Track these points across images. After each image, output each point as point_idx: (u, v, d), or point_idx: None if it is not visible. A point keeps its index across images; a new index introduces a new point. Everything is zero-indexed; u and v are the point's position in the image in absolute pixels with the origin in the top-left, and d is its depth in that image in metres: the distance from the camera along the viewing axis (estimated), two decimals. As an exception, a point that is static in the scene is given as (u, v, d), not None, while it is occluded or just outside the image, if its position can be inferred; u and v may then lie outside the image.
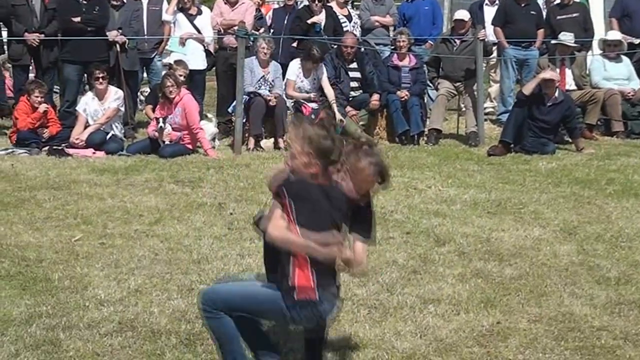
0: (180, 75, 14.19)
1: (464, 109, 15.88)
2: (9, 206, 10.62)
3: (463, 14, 16.48)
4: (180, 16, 15.32)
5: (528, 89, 14.30)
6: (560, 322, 7.16)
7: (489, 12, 17.55)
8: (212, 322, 5.71)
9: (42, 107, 14.25)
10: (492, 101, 17.96)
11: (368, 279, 8.08)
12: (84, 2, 14.57)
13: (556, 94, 14.20)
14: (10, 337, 6.72)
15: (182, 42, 15.29)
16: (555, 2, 17.62)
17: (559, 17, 16.94)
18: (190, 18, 15.36)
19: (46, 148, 13.93)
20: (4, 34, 15.97)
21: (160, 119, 13.79)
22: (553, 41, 16.35)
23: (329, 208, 5.48)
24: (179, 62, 14.67)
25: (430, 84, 16.07)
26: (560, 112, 14.17)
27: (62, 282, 7.98)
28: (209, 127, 14.61)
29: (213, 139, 14.61)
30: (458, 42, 15.86)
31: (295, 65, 15.01)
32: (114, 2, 15.30)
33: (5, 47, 15.75)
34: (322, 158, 5.42)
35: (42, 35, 14.85)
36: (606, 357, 6.51)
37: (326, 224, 5.44)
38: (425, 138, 15.15)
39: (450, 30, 16.79)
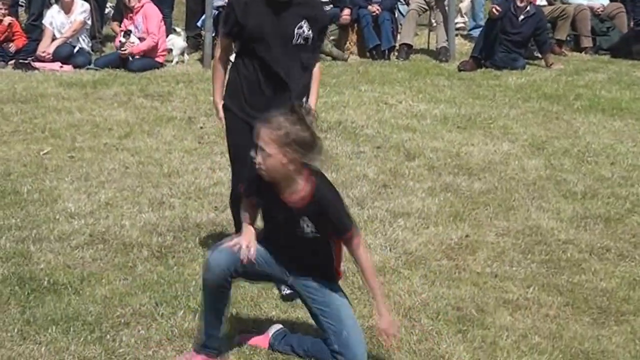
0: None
1: (434, 24, 15.82)
2: (-24, 120, 10.60)
3: None
4: None
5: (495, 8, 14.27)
6: (527, 235, 7.27)
7: None
8: None
9: (7, 20, 14.12)
10: (462, 16, 17.90)
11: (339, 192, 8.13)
12: None
13: (528, 7, 14.20)
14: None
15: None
16: None
17: None
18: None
19: (12, 62, 13.83)
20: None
21: (123, 34, 13.73)
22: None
23: None
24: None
25: (402, -1, 16.04)
26: (532, 25, 14.19)
27: (31, 195, 7.99)
28: (178, 41, 14.54)
29: (182, 53, 14.54)
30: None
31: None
32: None
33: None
34: (303, 153, 5.02)
35: None
36: (572, 270, 6.61)
37: None
38: (396, 53, 15.15)
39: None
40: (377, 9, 14.94)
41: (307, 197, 4.99)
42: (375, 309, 5.18)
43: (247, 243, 5.16)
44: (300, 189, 4.99)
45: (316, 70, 6.25)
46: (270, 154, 4.87)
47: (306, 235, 5.08)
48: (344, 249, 5.21)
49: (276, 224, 5.21)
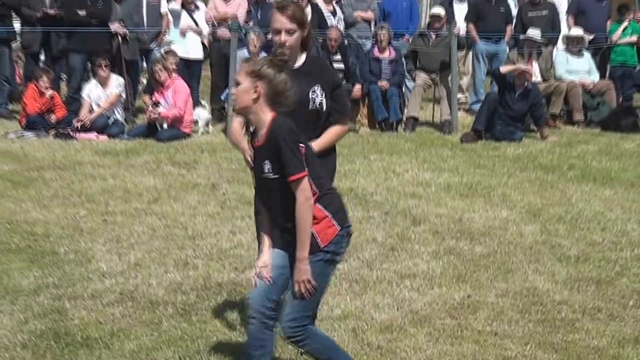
0: (171, 64, 14.18)
1: (439, 99, 15.87)
2: (18, 185, 10.61)
3: (439, 10, 16.57)
4: (181, 10, 15.31)
5: (505, 69, 14.46)
6: (524, 296, 7.21)
7: (458, 9, 17.58)
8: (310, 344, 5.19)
9: (49, 93, 14.24)
10: (464, 92, 17.94)
11: (349, 255, 8.12)
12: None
13: (525, 84, 14.28)
14: (20, 306, 6.74)
15: (182, 34, 15.27)
16: (526, 0, 17.64)
17: (529, 14, 16.98)
18: (190, 13, 15.33)
19: (53, 131, 13.90)
20: (17, 25, 15.91)
21: (152, 104, 13.82)
22: (522, 36, 16.40)
23: None
24: (169, 52, 14.67)
25: (408, 75, 16.07)
26: (528, 101, 14.26)
27: (68, 256, 8.00)
28: (203, 113, 14.61)
29: (207, 124, 14.60)
30: (434, 36, 15.89)
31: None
32: (119, -2, 15.31)
33: (18, 36, 15.73)
34: (272, 94, 5.01)
35: (53, 11, 14.84)
36: (566, 329, 6.55)
37: None
38: (403, 125, 15.18)
39: (427, 25, 16.83)
40: (386, 84, 15.00)
41: (265, 134, 4.93)
42: (297, 260, 4.93)
43: (261, 264, 5.17)
44: (265, 128, 4.95)
45: (337, 128, 5.93)
46: (241, 83, 4.95)
47: (267, 176, 4.94)
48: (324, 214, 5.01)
49: (255, 178, 5.18)
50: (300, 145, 4.93)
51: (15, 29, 16.00)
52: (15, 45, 16.24)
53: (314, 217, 4.97)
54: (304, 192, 4.89)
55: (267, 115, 4.95)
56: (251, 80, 4.92)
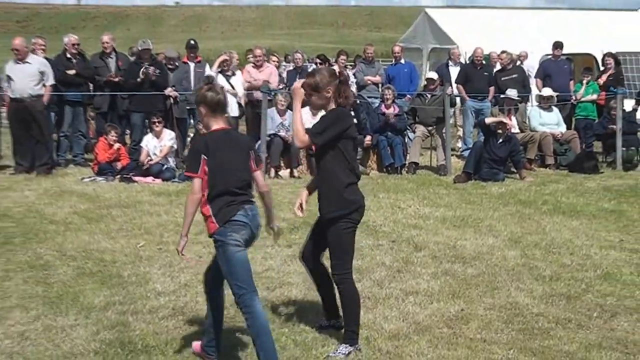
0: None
1: (435, 147, 15.89)
2: (91, 220, 10.66)
3: (433, 75, 16.72)
4: (220, 76, 15.40)
5: (489, 120, 14.54)
6: (508, 309, 7.20)
7: (453, 71, 17.77)
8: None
9: (116, 145, 14.35)
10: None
11: (363, 276, 8.12)
12: (146, 65, 14.69)
13: (506, 134, 14.33)
14: (93, 320, 6.77)
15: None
16: (498, 68, 17.79)
17: (503, 79, 17.12)
18: (227, 78, 15.42)
19: (119, 176, 13.98)
20: (91, 89, 16.06)
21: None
22: (502, 95, 16.48)
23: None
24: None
25: (409, 128, 16.11)
26: (508, 148, 14.29)
27: (130, 278, 8.02)
28: (239, 160, 14.66)
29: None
30: (429, 96, 15.96)
31: (305, 111, 15.06)
32: (170, 66, 15.40)
33: (91, 99, 15.88)
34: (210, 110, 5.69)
35: (117, 78, 14.99)
36: (542, 336, 6.55)
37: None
38: (406, 169, 15.18)
39: (424, 87, 16.91)
40: (369, 140, 15.11)
41: None
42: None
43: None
44: None
45: None
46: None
47: None
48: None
49: None
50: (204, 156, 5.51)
51: (89, 94, 16.13)
52: (89, 106, 16.38)
53: (203, 214, 5.67)
54: (192, 188, 5.60)
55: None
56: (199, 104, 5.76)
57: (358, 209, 6.16)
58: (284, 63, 22.52)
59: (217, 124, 5.69)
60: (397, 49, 18.09)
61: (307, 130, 6.11)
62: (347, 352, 6.06)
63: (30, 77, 14.07)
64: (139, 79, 14.53)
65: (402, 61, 17.81)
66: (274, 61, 18.21)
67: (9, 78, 14.13)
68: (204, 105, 5.68)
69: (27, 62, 14.16)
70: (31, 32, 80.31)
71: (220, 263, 5.67)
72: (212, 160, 5.52)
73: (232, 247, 5.56)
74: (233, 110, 15.38)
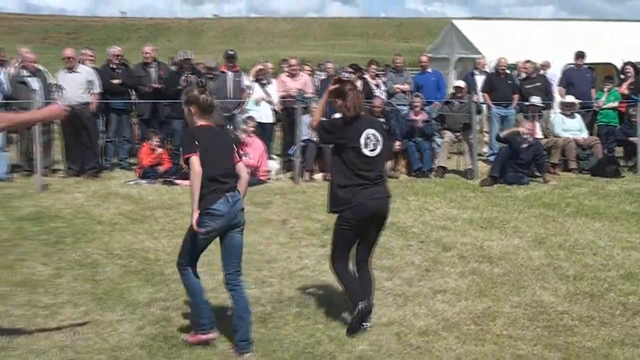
0: (250, 127, 14.32)
1: (462, 152, 15.82)
2: (136, 221, 10.73)
3: (460, 83, 16.64)
4: (256, 85, 15.44)
5: (503, 133, 14.56)
6: (533, 307, 7.15)
7: (479, 79, 17.70)
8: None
9: (159, 150, 14.42)
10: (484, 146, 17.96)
11: (393, 275, 8.11)
12: (186, 74, 14.75)
13: (530, 139, 14.26)
14: (138, 315, 6.81)
15: (257, 103, 15.38)
16: (522, 77, 17.71)
17: (527, 87, 17.04)
18: (262, 86, 15.45)
19: (161, 179, 14.05)
20: (134, 97, 16.17)
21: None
22: (526, 103, 16.40)
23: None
24: (249, 118, 14.77)
25: (437, 134, 16.04)
26: (532, 152, 14.20)
27: (173, 276, 8.00)
28: (274, 164, 14.71)
29: (278, 173, 14.67)
30: (457, 103, 15.89)
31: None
32: (209, 75, 15.45)
33: (134, 106, 15.98)
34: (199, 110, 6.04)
35: (159, 86, 15.06)
36: (566, 333, 6.51)
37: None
38: (434, 173, 15.12)
39: (452, 95, 16.85)
40: (421, 119, 15.14)
41: None
42: None
43: None
44: None
45: None
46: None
47: None
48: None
49: None
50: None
51: (132, 101, 16.24)
52: (132, 113, 16.48)
53: None
54: (193, 166, 5.84)
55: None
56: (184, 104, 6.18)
57: (351, 208, 6.37)
58: (317, 72, 22.54)
59: (203, 122, 6.08)
60: (424, 58, 18.09)
61: (321, 122, 6.73)
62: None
63: (79, 85, 14.21)
64: (180, 87, 14.59)
65: (429, 70, 17.76)
66: (307, 70, 18.25)
67: (60, 87, 14.26)
68: (195, 105, 6.05)
69: (77, 72, 14.29)
70: (80, 43, 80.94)
71: (185, 235, 6.28)
72: (201, 150, 5.86)
73: (202, 234, 6.06)
74: (269, 116, 15.43)
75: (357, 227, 6.47)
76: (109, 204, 11.88)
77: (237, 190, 6.11)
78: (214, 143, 5.97)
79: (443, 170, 15.21)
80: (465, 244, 9.57)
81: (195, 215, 5.97)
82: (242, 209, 6.14)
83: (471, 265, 8.59)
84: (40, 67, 14.73)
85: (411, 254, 9.08)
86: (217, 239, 6.13)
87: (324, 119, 6.88)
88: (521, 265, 8.58)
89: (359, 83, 15.92)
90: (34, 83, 14.17)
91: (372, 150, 6.44)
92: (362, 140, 6.41)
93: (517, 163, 14.16)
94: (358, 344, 6.19)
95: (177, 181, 13.81)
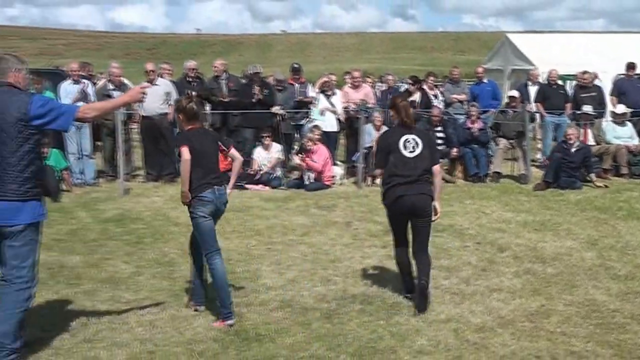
0: (316, 135, 14.33)
1: (516, 158, 15.63)
2: (208, 223, 10.79)
3: (514, 93, 16.42)
4: (321, 96, 15.45)
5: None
6: (586, 305, 7.01)
7: (532, 90, 17.45)
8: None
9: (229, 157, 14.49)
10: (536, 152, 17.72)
11: (451, 274, 8.03)
12: (258, 87, 14.83)
13: (578, 143, 14.07)
14: (211, 311, 6.84)
15: (322, 113, 15.39)
16: (578, 85, 17.42)
17: (581, 95, 16.74)
18: (327, 97, 15.46)
19: (231, 184, 14.12)
20: (207, 108, 16.32)
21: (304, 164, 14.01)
22: (578, 112, 16.15)
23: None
24: (315, 127, 14.79)
25: (493, 141, 15.86)
26: (582, 155, 13.97)
27: (244, 274, 8.10)
28: (339, 170, 14.69)
29: (342, 178, 14.65)
30: (511, 112, 15.70)
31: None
32: (278, 87, 15.52)
33: (207, 116, 16.15)
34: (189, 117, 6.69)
35: (228, 98, 15.16)
36: (619, 330, 6.37)
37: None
38: (490, 178, 14.95)
39: (506, 104, 16.65)
40: (477, 127, 14.99)
41: None
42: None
43: None
44: None
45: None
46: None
47: None
48: None
49: None
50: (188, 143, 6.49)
51: (205, 112, 16.41)
52: (205, 123, 16.63)
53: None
54: (183, 156, 6.47)
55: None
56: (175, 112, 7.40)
57: (394, 200, 6.95)
58: (378, 83, 22.49)
59: (191, 125, 6.71)
60: (480, 70, 17.97)
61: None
62: None
63: (158, 97, 14.40)
64: (253, 100, 14.67)
65: (485, 80, 17.62)
66: (369, 82, 18.20)
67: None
68: (183, 113, 6.71)
69: (156, 85, 14.48)
70: (159, 58, 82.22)
71: (193, 229, 6.76)
72: (192, 148, 6.48)
73: (200, 218, 6.58)
74: (333, 125, 15.42)
75: (396, 217, 7.13)
76: (184, 207, 11.92)
77: (224, 184, 6.84)
78: (202, 141, 6.64)
79: (498, 175, 15.04)
80: (520, 245, 9.42)
81: (188, 194, 6.61)
82: (226, 202, 6.87)
83: (525, 265, 8.46)
84: (125, 80, 14.99)
85: (468, 254, 8.98)
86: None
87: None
88: (574, 266, 8.42)
89: (417, 94, 15.87)
90: (118, 96, 14.39)
91: (410, 152, 7.03)
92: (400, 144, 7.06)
93: (569, 167, 13.92)
94: (418, 339, 6.14)
95: (247, 186, 13.89)
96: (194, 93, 15.01)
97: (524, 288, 7.57)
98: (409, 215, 6.97)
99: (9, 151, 5.38)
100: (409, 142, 7.01)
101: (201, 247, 6.71)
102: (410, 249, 7.10)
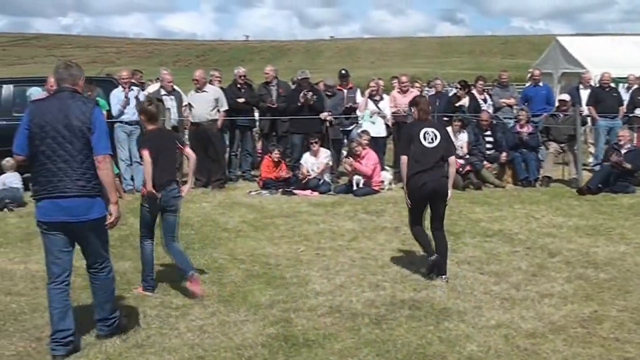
0: (364, 140, 14.31)
1: (567, 162, 15.44)
2: (258, 228, 10.85)
3: (565, 97, 16.19)
4: (369, 101, 15.42)
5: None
6: (640, 311, 6.88)
7: (584, 93, 17.23)
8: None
9: (279, 163, 14.57)
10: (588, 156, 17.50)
11: (501, 279, 7.95)
12: (305, 92, 14.86)
13: (629, 145, 13.97)
14: (260, 316, 6.85)
15: (371, 116, 15.36)
16: (636, 87, 17.14)
17: (639, 97, 16.48)
18: (375, 102, 15.43)
19: (281, 190, 14.19)
20: (256, 114, 16.43)
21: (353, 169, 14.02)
22: (631, 114, 15.90)
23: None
24: (364, 132, 14.76)
25: (543, 145, 15.69)
26: (632, 156, 13.76)
27: (292, 280, 8.10)
28: (387, 175, 14.63)
29: (390, 183, 14.59)
30: (562, 115, 15.51)
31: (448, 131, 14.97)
32: (328, 93, 15.55)
33: (257, 122, 16.26)
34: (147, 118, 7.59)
35: (276, 105, 15.22)
36: (675, 337, 6.23)
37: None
38: (540, 182, 14.78)
39: (556, 108, 16.46)
40: (526, 131, 14.84)
41: None
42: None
43: None
44: None
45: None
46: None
47: None
48: None
49: None
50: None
51: (255, 118, 16.51)
52: (255, 129, 16.73)
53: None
54: (145, 158, 7.36)
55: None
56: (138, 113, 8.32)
57: (420, 187, 8.03)
58: (426, 88, 22.39)
59: (151, 126, 7.60)
60: (536, 72, 17.81)
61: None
62: None
63: (207, 104, 14.52)
64: (299, 104, 14.71)
65: (540, 84, 17.43)
66: (417, 87, 18.13)
67: (190, 105, 14.63)
68: (144, 114, 7.61)
69: (205, 91, 14.62)
70: (208, 65, 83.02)
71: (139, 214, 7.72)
72: (152, 150, 7.32)
73: (144, 209, 7.61)
74: (381, 130, 15.38)
75: (418, 201, 8.16)
76: (233, 213, 12.07)
77: (175, 181, 7.63)
78: (159, 143, 7.48)
79: (548, 179, 14.87)
80: (571, 250, 9.28)
81: (149, 187, 7.37)
82: (176, 197, 7.60)
83: (577, 270, 8.32)
84: (176, 87, 15.15)
85: (518, 259, 8.87)
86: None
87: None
88: (627, 271, 8.26)
89: (466, 99, 15.77)
90: (169, 102, 14.59)
91: (430, 143, 8.07)
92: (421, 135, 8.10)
93: (621, 170, 13.70)
94: (467, 345, 6.07)
95: (296, 191, 13.93)
96: (241, 100, 15.22)
97: (576, 294, 7.45)
98: (429, 199, 8.09)
99: (76, 150, 5.83)
100: (428, 134, 8.09)
101: (140, 230, 7.78)
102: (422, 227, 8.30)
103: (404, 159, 8.12)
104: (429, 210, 8.25)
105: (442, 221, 8.22)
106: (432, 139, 8.05)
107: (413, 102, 8.52)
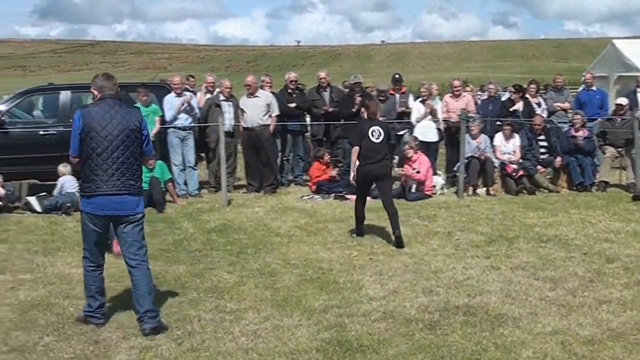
0: (416, 144, 14.27)
1: (624, 167, 15.19)
2: (310, 233, 10.88)
3: (623, 100, 15.92)
4: (421, 105, 15.37)
5: None
6: (702, 319, 6.72)
7: (641, 96, 16.93)
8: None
9: (330, 167, 14.57)
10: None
11: (557, 285, 7.84)
12: (359, 97, 14.85)
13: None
14: (314, 321, 6.85)
15: (418, 120, 15.30)
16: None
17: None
18: (426, 106, 15.38)
19: (333, 194, 14.19)
20: (308, 119, 16.48)
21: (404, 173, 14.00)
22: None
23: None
24: (414, 137, 14.72)
25: (600, 149, 15.46)
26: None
27: (346, 285, 8.09)
28: (439, 180, 14.56)
29: (442, 188, 14.52)
30: (619, 120, 15.27)
31: (499, 136, 14.83)
32: (381, 98, 15.54)
33: (308, 127, 16.31)
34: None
35: (331, 109, 15.23)
36: None
37: None
38: (596, 187, 14.57)
39: (613, 112, 16.19)
40: (582, 135, 14.68)
41: None
42: None
43: None
44: None
45: None
46: None
47: None
48: None
49: None
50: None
51: (307, 123, 16.57)
52: (307, 134, 16.78)
53: None
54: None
55: None
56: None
57: (367, 172, 10.16)
58: (478, 92, 22.22)
59: None
60: (588, 76, 17.51)
61: None
62: None
63: (259, 109, 14.60)
64: (353, 110, 14.71)
65: (594, 88, 17.16)
66: (469, 91, 18.01)
67: (242, 110, 14.73)
68: None
69: (257, 97, 14.70)
70: (259, 70, 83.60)
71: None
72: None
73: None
74: (433, 135, 15.31)
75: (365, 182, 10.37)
76: (285, 217, 12.11)
77: None
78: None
79: (605, 184, 14.65)
80: (630, 255, 9.12)
81: None
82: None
83: (636, 276, 8.17)
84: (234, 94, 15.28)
85: (574, 265, 8.74)
86: None
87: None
88: (688, 278, 8.09)
89: (520, 103, 15.61)
90: (227, 107, 14.70)
91: (376, 139, 9.95)
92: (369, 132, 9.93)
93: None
94: (523, 351, 6.00)
95: (348, 196, 13.91)
96: (292, 105, 15.27)
97: (635, 300, 7.31)
98: (375, 181, 10.33)
99: (129, 152, 6.55)
100: (374, 131, 10.01)
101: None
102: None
103: (355, 149, 10.02)
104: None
105: (390, 196, 10.37)
106: (378, 135, 10.01)
107: (362, 104, 10.47)
